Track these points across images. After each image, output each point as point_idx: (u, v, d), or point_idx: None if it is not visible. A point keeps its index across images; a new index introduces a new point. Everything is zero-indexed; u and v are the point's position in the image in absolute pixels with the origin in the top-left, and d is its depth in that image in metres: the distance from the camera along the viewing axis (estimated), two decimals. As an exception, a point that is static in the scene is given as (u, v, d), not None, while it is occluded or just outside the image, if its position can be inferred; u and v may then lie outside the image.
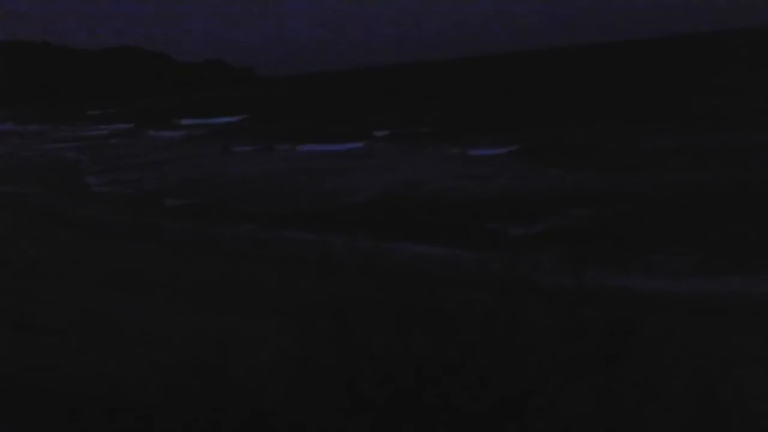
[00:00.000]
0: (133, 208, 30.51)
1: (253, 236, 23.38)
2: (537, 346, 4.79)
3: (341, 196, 29.30)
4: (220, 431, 4.97)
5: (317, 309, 5.19)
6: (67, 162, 52.67)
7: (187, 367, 5.13)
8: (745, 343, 10.07)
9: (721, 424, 4.56)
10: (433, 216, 23.93)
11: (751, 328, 11.59)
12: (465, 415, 4.66)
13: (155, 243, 22.69)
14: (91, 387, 7.11)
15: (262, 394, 5.05)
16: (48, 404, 6.77)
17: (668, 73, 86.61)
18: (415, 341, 4.89)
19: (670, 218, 20.75)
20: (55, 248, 21.55)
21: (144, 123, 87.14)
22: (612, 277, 14.42)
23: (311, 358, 5.00)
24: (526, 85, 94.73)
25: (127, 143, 66.24)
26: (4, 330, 10.89)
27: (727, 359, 5.08)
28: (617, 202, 23.35)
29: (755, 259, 15.85)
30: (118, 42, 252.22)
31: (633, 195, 24.16)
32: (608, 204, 23.07)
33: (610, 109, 52.08)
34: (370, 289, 5.19)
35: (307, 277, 13.05)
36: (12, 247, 21.43)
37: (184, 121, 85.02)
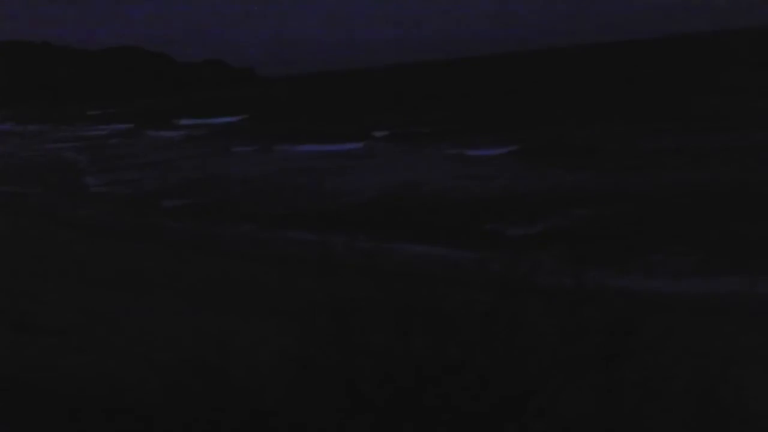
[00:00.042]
0: (133, 208, 30.51)
1: (253, 236, 23.37)
2: (537, 346, 4.79)
3: (341, 196, 29.30)
4: (220, 431, 4.97)
5: (317, 309, 5.19)
6: (67, 162, 52.67)
7: (187, 367, 5.13)
8: (745, 343, 10.07)
9: (721, 424, 4.56)
10: (433, 216, 23.93)
11: (751, 328, 11.59)
12: (465, 415, 4.66)
13: (155, 243, 22.70)
14: (91, 387, 7.11)
15: (262, 394, 5.05)
16: (48, 404, 6.77)
17: (668, 73, 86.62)
18: (415, 341, 4.89)
19: (670, 218, 20.74)
20: (55, 248, 21.55)
21: (144, 123, 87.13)
22: (612, 277, 14.41)
23: (311, 358, 5.00)
24: (526, 85, 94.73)
25: (126, 143, 66.23)
26: (4, 330, 10.89)
27: (727, 359, 5.08)
28: (617, 202, 23.35)
29: (755, 259, 15.85)
30: (118, 42, 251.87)
31: (633, 195, 24.17)
32: (608, 204, 23.07)
33: (610, 109, 52.09)
34: (370, 289, 5.19)
35: (307, 277, 13.06)
36: (12, 247, 21.42)
37: (184, 121, 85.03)
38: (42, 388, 7.32)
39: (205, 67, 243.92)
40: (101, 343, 10.39)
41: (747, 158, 27.88)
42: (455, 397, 4.67)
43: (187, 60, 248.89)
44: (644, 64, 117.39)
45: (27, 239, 23.37)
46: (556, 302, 4.88)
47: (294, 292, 13.38)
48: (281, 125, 67.96)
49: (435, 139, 44.65)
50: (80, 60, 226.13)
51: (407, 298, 5.08)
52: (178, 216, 28.16)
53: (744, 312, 12.99)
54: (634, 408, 4.58)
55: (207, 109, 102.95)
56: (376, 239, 20.74)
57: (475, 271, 14.66)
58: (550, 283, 5.04)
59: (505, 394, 4.66)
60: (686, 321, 11.51)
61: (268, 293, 14.82)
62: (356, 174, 35.10)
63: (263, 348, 5.60)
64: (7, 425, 6.33)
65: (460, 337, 4.86)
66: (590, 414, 4.62)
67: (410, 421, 4.70)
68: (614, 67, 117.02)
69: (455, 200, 26.52)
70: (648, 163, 29.67)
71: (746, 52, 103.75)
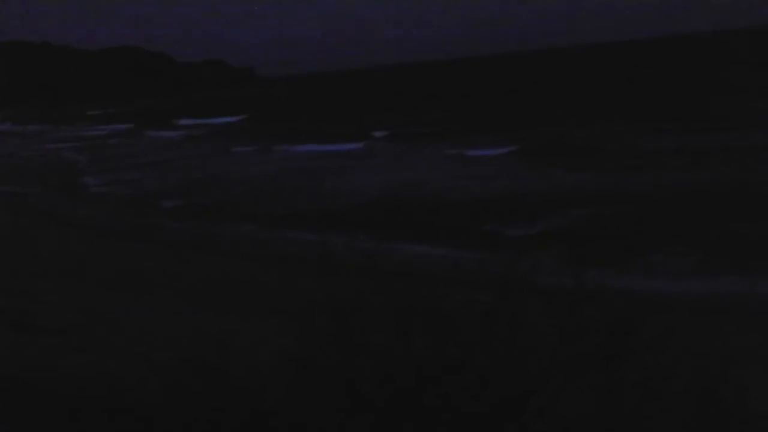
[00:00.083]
0: (133, 208, 30.52)
1: (253, 236, 23.37)
2: (537, 346, 4.79)
3: (341, 196, 29.29)
4: (220, 431, 4.97)
5: (317, 309, 5.19)
6: (67, 162, 52.69)
7: (187, 367, 5.13)
8: (745, 343, 10.06)
9: (721, 424, 4.56)
10: (433, 216, 23.92)
11: (751, 328, 11.58)
12: (465, 415, 4.66)
13: (155, 243, 22.69)
14: (91, 387, 7.11)
15: (262, 394, 5.05)
16: (48, 404, 6.77)
17: (668, 73, 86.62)
18: (415, 341, 4.89)
19: (670, 218, 20.74)
20: (55, 248, 21.55)
21: (144, 123, 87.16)
22: (612, 277, 14.41)
23: (311, 358, 5.00)
24: (526, 85, 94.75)
25: (126, 143, 66.24)
26: (4, 330, 10.89)
27: (727, 359, 5.07)
28: (617, 202, 23.35)
29: (755, 259, 15.85)
30: (118, 42, 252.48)
31: (633, 195, 24.17)
32: (608, 204, 23.07)
33: (610, 109, 52.09)
34: (370, 289, 5.19)
35: (307, 277, 13.05)
36: (12, 247, 21.42)
37: (184, 122, 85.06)
38: (42, 388, 7.32)
39: (205, 67, 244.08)
40: (101, 343, 10.39)
41: (747, 158, 27.88)
42: (455, 397, 4.67)
43: (187, 60, 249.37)
44: (644, 64, 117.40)
45: (27, 239, 23.37)
46: (556, 302, 4.88)
47: (294, 292, 13.38)
48: (281, 125, 67.97)
49: (435, 139, 44.64)
50: (80, 60, 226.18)
51: (407, 298, 5.08)
52: (178, 216, 28.16)
53: (744, 312, 12.99)
54: (634, 408, 4.58)
55: (207, 109, 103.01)
56: (376, 239, 20.73)
57: (475, 271, 14.67)
58: (550, 283, 5.04)
59: (505, 394, 4.66)
60: (686, 321, 11.51)
61: (268, 293, 14.81)
62: (356, 174, 35.10)
63: (263, 348, 5.60)
64: (7, 425, 6.33)
65: (460, 337, 4.86)
66: (590, 414, 4.62)
67: (410, 421, 4.71)
68: (614, 67, 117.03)
69: (455, 200, 26.51)
70: (648, 163, 29.66)
71: (746, 52, 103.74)
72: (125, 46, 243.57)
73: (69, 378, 7.70)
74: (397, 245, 19.64)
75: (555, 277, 5.17)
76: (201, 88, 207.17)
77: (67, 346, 10.07)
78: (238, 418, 4.98)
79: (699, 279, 15.19)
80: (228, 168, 42.69)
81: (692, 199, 22.60)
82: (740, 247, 16.86)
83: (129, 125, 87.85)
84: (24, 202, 33.51)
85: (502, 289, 5.04)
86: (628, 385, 4.63)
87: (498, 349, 4.77)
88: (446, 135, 46.11)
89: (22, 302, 12.99)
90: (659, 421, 4.61)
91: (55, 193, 36.80)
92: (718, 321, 12.25)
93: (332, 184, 32.69)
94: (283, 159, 43.91)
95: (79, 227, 26.18)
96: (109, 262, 19.23)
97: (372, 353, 4.91)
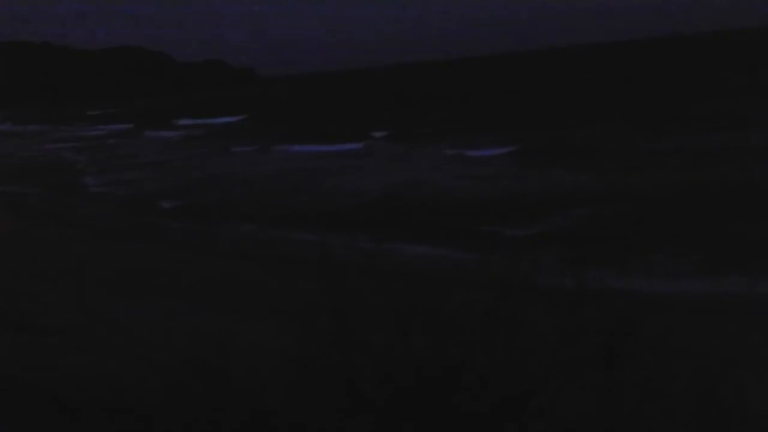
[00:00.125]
0: (133, 209, 30.52)
1: (253, 236, 23.37)
2: (537, 346, 4.79)
3: (341, 196, 29.30)
4: (220, 431, 4.97)
5: (317, 309, 5.19)
6: (67, 162, 52.68)
7: (187, 367, 5.13)
8: (745, 343, 10.06)
9: (721, 424, 4.56)
10: (432, 216, 23.92)
11: (751, 328, 11.58)
12: (465, 415, 4.66)
13: (155, 243, 22.69)
14: (91, 387, 7.11)
15: (262, 394, 5.05)
16: (48, 404, 6.77)
17: (668, 73, 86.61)
18: (415, 341, 4.89)
19: (670, 218, 20.74)
20: (55, 248, 21.55)
21: (144, 123, 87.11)
22: (612, 277, 14.40)
23: (311, 358, 5.00)
24: (526, 85, 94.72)
25: (126, 143, 66.23)
26: (4, 330, 10.89)
27: (727, 359, 5.08)
28: (617, 202, 23.35)
29: (755, 259, 15.85)
30: (118, 42, 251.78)
31: (633, 195, 24.16)
32: (608, 204, 23.06)
33: (610, 109, 52.08)
34: (370, 289, 5.19)
35: (307, 277, 13.04)
36: (12, 247, 21.42)
37: (184, 122, 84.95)
38: (42, 388, 7.32)
39: (205, 67, 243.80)
40: (101, 343, 10.39)
41: (747, 158, 27.87)
42: (455, 397, 4.67)
43: (187, 60, 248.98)
44: (644, 64, 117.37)
45: (27, 239, 23.36)
46: (556, 302, 4.88)
47: (294, 292, 13.37)
48: (281, 125, 67.93)
49: (435, 139, 44.61)
50: (80, 60, 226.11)
51: (407, 298, 5.08)
52: (178, 216, 28.16)
53: (744, 312, 12.99)
54: (634, 408, 4.58)
55: (207, 110, 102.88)
56: (376, 239, 20.73)
57: (475, 271, 14.67)
58: (551, 283, 5.04)
59: (505, 394, 4.66)
60: (686, 321, 11.50)
61: (268, 293, 14.80)
62: (356, 174, 35.10)
63: (263, 348, 5.60)
64: (7, 425, 6.33)
65: (460, 337, 4.86)
66: (590, 414, 4.62)
67: (410, 421, 4.71)
68: (614, 67, 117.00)
69: (455, 200, 26.51)
70: (648, 163, 29.66)
71: (746, 52, 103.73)
72: (125, 46, 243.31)
73: (69, 378, 7.71)
74: (397, 245, 19.64)
75: (555, 278, 5.16)
76: (201, 88, 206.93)
77: (67, 346, 10.07)
78: (238, 418, 4.98)
79: (699, 279, 15.19)
80: (228, 168, 42.68)
81: (692, 199, 22.60)
82: (740, 247, 16.86)
83: (129, 125, 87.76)
84: (24, 202, 33.51)
85: (503, 289, 5.04)
86: (628, 385, 4.63)
87: (498, 349, 4.77)
88: (446, 135, 46.08)
89: (22, 302, 13.00)
90: (659, 421, 4.61)
91: (55, 193, 36.80)
92: (718, 321, 12.24)
93: (332, 184, 32.69)
94: (283, 159, 43.89)
95: (79, 227, 26.17)
96: (109, 262, 19.23)
97: (372, 353, 4.91)
